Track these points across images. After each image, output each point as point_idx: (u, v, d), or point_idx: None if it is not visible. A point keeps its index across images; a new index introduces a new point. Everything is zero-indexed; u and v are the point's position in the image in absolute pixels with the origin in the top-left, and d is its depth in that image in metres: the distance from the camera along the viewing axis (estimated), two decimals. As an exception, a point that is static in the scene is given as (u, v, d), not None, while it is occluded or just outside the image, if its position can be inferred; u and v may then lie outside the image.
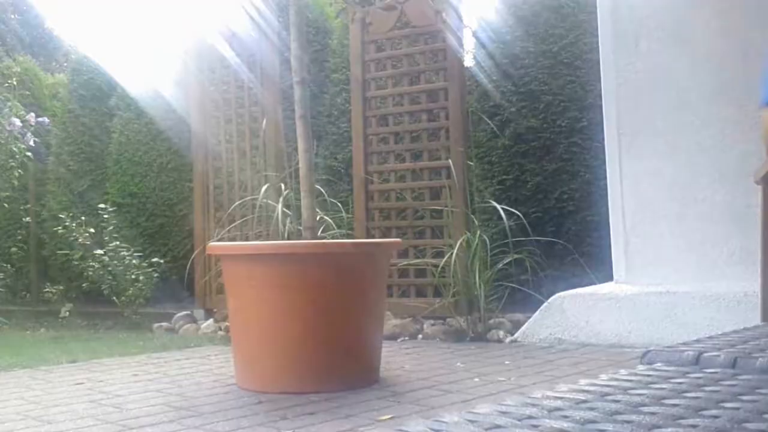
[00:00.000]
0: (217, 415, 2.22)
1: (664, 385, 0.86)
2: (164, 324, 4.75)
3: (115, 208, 5.78)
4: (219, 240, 4.41)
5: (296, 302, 2.54)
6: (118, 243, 5.36)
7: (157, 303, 5.39)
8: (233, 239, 4.42)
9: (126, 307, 5.24)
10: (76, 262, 5.64)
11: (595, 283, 3.79)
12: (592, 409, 0.74)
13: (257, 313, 2.60)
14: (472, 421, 0.69)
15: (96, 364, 3.39)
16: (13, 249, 7.04)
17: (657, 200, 3.62)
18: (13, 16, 13.76)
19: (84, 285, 5.87)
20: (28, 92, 6.95)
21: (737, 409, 0.72)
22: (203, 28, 4.92)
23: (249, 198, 4.49)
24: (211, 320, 4.63)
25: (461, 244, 3.78)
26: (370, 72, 4.46)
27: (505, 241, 3.87)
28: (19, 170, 5.87)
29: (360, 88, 4.44)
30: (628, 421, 0.68)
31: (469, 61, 4.86)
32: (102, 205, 5.60)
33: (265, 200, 4.19)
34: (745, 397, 0.78)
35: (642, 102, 3.68)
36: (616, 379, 0.91)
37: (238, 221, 4.51)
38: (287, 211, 3.95)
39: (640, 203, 3.67)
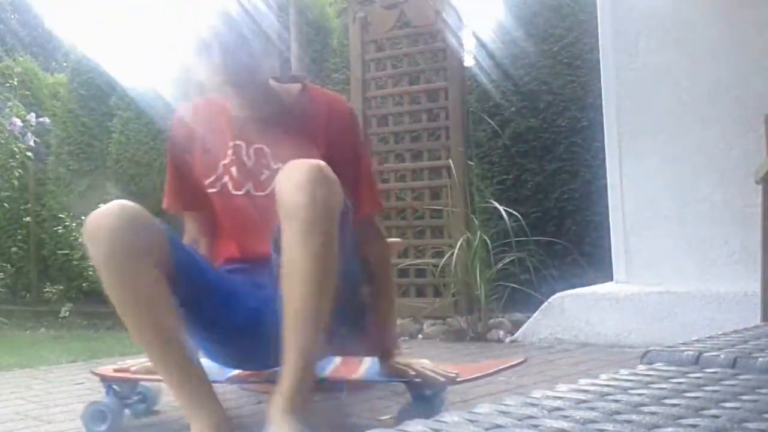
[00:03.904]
0: (217, 415, 2.22)
1: (664, 385, 0.86)
2: (164, 324, 4.74)
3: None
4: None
5: (296, 302, 2.53)
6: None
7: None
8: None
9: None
10: (76, 262, 5.64)
11: (595, 283, 3.79)
12: (592, 408, 0.74)
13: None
14: (472, 421, 0.69)
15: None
16: (13, 249, 7.05)
17: (657, 200, 3.62)
18: (12, 16, 13.76)
19: (84, 285, 5.87)
20: (28, 92, 6.95)
21: (737, 408, 0.72)
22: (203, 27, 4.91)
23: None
24: (211, 320, 4.62)
25: (461, 243, 3.78)
26: (370, 72, 4.46)
27: (506, 241, 3.87)
28: (19, 170, 5.87)
29: (360, 88, 4.44)
30: (628, 421, 0.68)
31: (469, 61, 4.86)
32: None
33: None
34: (745, 397, 0.78)
35: (642, 102, 3.68)
36: (616, 379, 0.91)
37: (238, 221, 4.51)
38: (287, 211, 3.94)
39: (640, 203, 3.67)
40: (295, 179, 1.55)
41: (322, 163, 1.58)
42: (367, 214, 1.94)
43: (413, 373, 1.86)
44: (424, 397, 1.87)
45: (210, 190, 1.91)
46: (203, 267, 1.84)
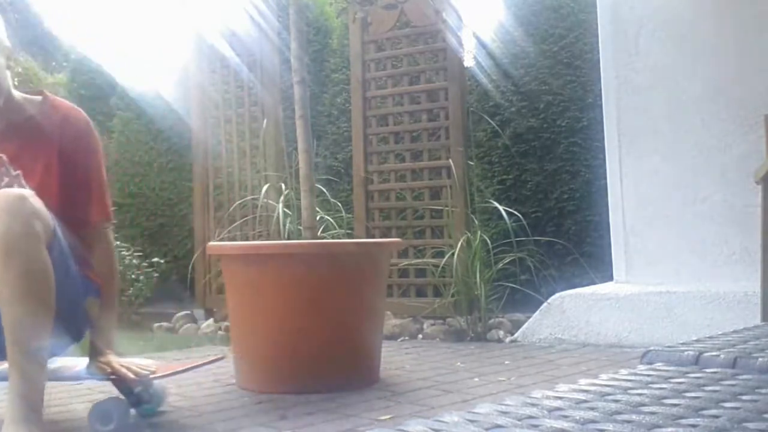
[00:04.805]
0: (217, 415, 2.22)
1: (664, 385, 0.86)
2: (164, 324, 4.76)
3: (115, 207, 5.77)
4: (219, 240, 4.41)
5: (296, 302, 2.54)
6: (118, 243, 5.36)
7: (158, 303, 5.39)
8: (233, 239, 4.42)
9: (126, 306, 5.24)
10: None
11: (595, 283, 3.79)
12: (592, 408, 0.74)
13: (257, 313, 2.60)
14: (472, 421, 0.69)
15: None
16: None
17: (657, 200, 3.62)
18: (13, 16, 13.76)
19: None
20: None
21: (737, 408, 0.72)
22: (203, 27, 4.92)
23: (249, 198, 4.49)
24: (211, 320, 4.63)
25: (461, 243, 3.78)
26: (370, 72, 4.47)
27: (506, 241, 3.87)
28: (20, 170, 5.86)
29: (360, 88, 4.44)
30: (628, 421, 0.68)
31: (469, 61, 4.86)
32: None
33: (265, 200, 4.19)
34: (745, 397, 0.78)
35: (642, 102, 3.68)
36: (616, 379, 0.91)
37: (239, 221, 4.51)
38: (287, 211, 3.94)
39: (640, 203, 3.67)
40: None
41: (23, 192, 1.72)
42: (95, 222, 2.08)
43: (109, 370, 1.99)
44: (133, 392, 2.07)
45: None
46: None
